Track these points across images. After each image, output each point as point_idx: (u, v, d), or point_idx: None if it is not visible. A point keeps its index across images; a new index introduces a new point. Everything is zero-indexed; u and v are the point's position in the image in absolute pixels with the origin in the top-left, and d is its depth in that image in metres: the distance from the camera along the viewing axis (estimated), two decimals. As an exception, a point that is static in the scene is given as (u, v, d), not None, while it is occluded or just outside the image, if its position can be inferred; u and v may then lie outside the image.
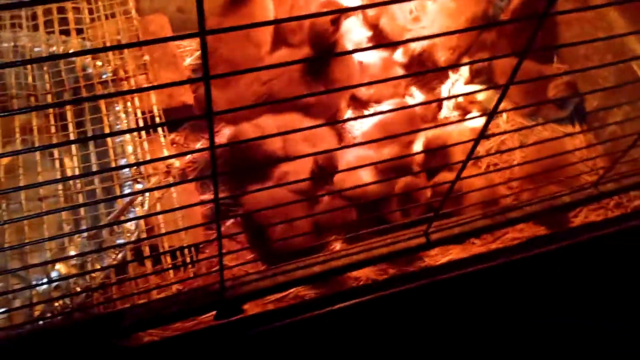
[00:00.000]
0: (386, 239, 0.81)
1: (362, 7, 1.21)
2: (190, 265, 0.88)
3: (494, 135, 1.17)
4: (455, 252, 1.03)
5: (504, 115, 1.21)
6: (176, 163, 0.91)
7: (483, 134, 0.65)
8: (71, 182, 0.95)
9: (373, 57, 1.18)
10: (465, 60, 1.21)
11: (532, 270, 1.05)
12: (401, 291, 0.92)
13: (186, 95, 1.08)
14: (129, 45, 0.46)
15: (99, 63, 1.02)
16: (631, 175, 0.94)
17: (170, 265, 0.83)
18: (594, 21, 1.19)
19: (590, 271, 1.10)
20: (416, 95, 1.20)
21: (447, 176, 1.07)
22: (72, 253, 0.90)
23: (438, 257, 1.02)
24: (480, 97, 1.17)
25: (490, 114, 0.63)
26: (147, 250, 0.86)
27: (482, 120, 1.14)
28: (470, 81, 1.21)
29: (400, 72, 1.18)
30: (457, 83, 1.21)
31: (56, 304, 0.78)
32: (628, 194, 1.13)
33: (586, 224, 1.08)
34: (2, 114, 0.82)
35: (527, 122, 1.20)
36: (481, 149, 1.17)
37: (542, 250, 1.04)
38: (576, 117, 1.21)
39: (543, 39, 1.22)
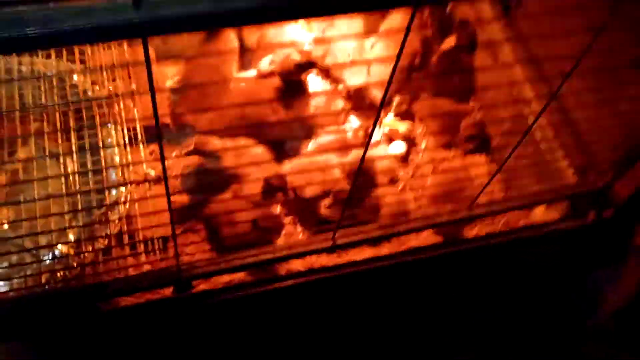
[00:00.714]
0: (304, 240, 1.10)
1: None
2: (159, 251, 1.17)
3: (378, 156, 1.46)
4: (368, 252, 1.32)
5: (423, 144, 1.49)
6: (151, 172, 1.19)
7: (364, 157, 0.92)
8: (71, 180, 1.24)
9: (321, 89, 1.46)
10: (397, 98, 1.50)
11: (427, 269, 1.34)
12: (320, 279, 1.21)
13: (165, 117, 1.35)
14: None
15: (97, 87, 1.30)
16: (500, 202, 1.24)
17: (143, 251, 1.12)
18: (501, 71, 1.47)
19: (475, 272, 1.39)
20: (353, 124, 1.48)
21: (368, 193, 1.35)
22: (71, 237, 1.19)
23: (352, 254, 1.31)
24: (402, 129, 1.45)
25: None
26: (126, 239, 1.15)
27: (403, 148, 1.44)
28: (397, 115, 1.49)
29: (342, 103, 1.47)
30: (387, 116, 1.49)
31: (58, 275, 1.07)
32: (507, 214, 1.42)
33: (477, 236, 1.38)
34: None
35: (443, 151, 1.49)
36: (403, 172, 1.46)
37: (438, 253, 1.33)
38: (483, 150, 1.49)
39: (461, 83, 1.51)
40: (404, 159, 1.46)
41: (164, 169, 0.73)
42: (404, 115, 1.49)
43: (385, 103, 1.50)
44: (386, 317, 1.38)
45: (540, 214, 1.37)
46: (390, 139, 1.46)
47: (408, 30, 0.58)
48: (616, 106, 1.11)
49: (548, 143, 1.32)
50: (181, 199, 1.26)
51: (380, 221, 1.31)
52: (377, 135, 1.45)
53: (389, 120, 1.48)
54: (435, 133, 1.47)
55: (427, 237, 1.38)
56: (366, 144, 0.83)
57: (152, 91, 0.57)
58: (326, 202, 1.29)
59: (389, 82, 0.69)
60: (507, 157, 1.04)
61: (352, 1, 0.52)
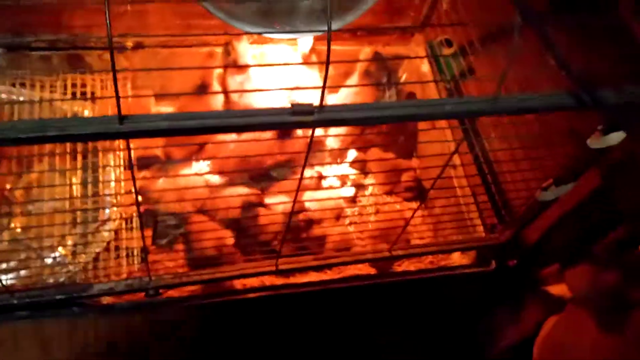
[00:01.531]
0: (253, 264, 1.38)
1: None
2: (138, 260, 1.45)
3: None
4: (312, 276, 1.60)
5: (370, 189, 1.77)
6: (139, 198, 1.47)
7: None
8: (74, 193, 1.53)
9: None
10: (351, 148, 1.78)
11: (360, 296, 1.61)
12: (266, 296, 1.49)
13: (156, 150, 1.64)
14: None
15: (103, 121, 1.59)
16: (416, 247, 1.52)
17: (124, 260, 1.41)
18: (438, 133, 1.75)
19: (399, 301, 1.66)
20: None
21: (316, 227, 1.63)
22: (70, 242, 1.48)
23: (299, 277, 1.59)
24: (352, 175, 1.74)
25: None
26: (112, 249, 1.43)
27: (352, 191, 1.72)
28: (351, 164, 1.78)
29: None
30: (342, 164, 1.78)
31: (57, 274, 1.36)
32: (439, 257, 1.69)
33: (404, 271, 1.65)
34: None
35: (384, 197, 1.77)
36: (349, 211, 1.74)
37: (370, 283, 1.60)
38: (419, 198, 1.77)
39: (407, 141, 1.79)
40: (352, 200, 1.74)
41: (136, 196, 1.02)
42: (356, 164, 1.77)
43: (340, 153, 1.78)
44: (318, 333, 1.66)
45: (457, 257, 1.64)
46: (342, 183, 1.74)
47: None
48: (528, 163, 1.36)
49: (466, 200, 1.60)
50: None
51: (325, 252, 1.59)
52: (332, 179, 1.73)
53: (343, 168, 1.77)
54: (380, 181, 1.75)
55: (362, 268, 1.66)
56: (297, 187, 1.06)
57: (134, 179, 0.86)
58: (277, 235, 1.57)
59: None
60: (418, 207, 1.32)
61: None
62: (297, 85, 1.75)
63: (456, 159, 1.65)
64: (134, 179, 0.94)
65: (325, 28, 0.75)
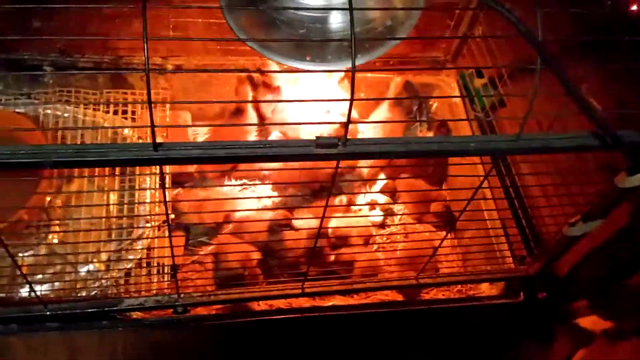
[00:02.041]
0: (279, 285, 1.40)
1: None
2: (168, 277, 1.50)
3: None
4: (338, 300, 1.61)
5: (399, 216, 1.78)
6: (172, 215, 1.52)
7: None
8: (111, 210, 1.59)
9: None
10: (382, 174, 1.80)
11: (386, 323, 1.61)
12: (292, 318, 1.51)
13: (191, 167, 1.69)
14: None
15: (141, 140, 1.65)
16: (443, 276, 1.51)
17: (155, 277, 1.45)
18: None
19: (427, 329, 1.66)
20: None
21: (344, 251, 1.65)
22: (104, 255, 1.53)
23: (325, 300, 1.60)
24: (381, 200, 1.75)
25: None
26: (144, 265, 1.48)
27: (380, 217, 1.73)
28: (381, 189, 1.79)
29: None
30: (371, 190, 1.79)
31: (89, 288, 1.41)
32: (467, 286, 1.68)
33: (431, 299, 1.65)
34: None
35: (413, 224, 1.78)
36: (377, 236, 1.75)
37: (397, 309, 1.60)
38: (448, 227, 1.77)
39: (436, 169, 1.80)
40: (381, 226, 1.75)
41: (167, 216, 1.06)
42: (385, 190, 1.79)
43: (370, 179, 1.80)
44: (343, 358, 1.66)
45: (485, 288, 1.63)
46: (371, 208, 1.76)
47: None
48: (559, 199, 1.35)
49: (496, 232, 1.59)
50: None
51: (352, 276, 1.61)
52: (362, 205, 1.75)
53: (373, 193, 1.78)
54: (409, 208, 1.76)
55: (389, 294, 1.66)
56: (322, 214, 1.08)
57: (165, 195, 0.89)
58: (305, 257, 1.59)
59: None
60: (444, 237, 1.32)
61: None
62: (328, 106, 1.78)
63: (486, 190, 1.64)
64: (165, 201, 0.98)
65: (355, 62, 0.77)
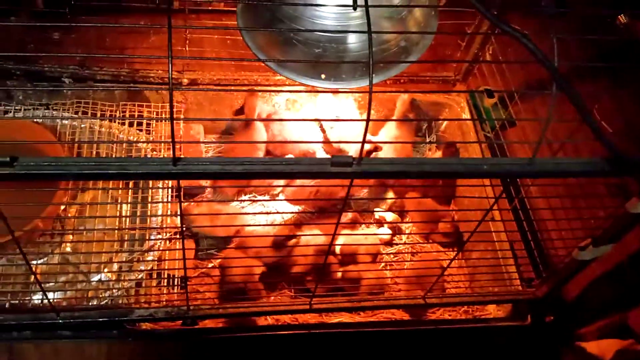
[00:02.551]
0: (287, 300, 1.41)
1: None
2: (179, 289, 1.51)
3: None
4: (345, 317, 1.62)
5: (407, 233, 1.79)
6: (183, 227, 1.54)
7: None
8: (123, 222, 1.60)
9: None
10: (390, 192, 1.81)
11: (392, 341, 1.61)
12: (299, 334, 1.51)
13: (202, 181, 1.71)
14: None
15: (155, 153, 1.67)
16: (451, 296, 1.52)
17: (165, 288, 1.46)
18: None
19: (431, 349, 1.66)
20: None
21: (352, 267, 1.66)
22: (115, 265, 1.55)
23: (332, 316, 1.61)
24: (389, 218, 1.76)
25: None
26: (155, 275, 1.50)
27: (388, 234, 1.74)
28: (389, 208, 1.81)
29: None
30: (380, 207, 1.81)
31: (101, 297, 1.42)
32: (474, 307, 1.68)
33: (438, 319, 1.65)
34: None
35: (421, 243, 1.78)
36: (385, 254, 1.75)
37: (403, 329, 1.61)
38: (456, 245, 1.78)
39: (445, 187, 1.81)
40: (389, 244, 1.76)
41: (182, 229, 1.07)
42: (394, 208, 1.80)
43: (379, 196, 1.81)
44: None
45: (492, 309, 1.63)
46: (380, 226, 1.77)
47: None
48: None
49: (504, 254, 1.59)
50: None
51: (359, 293, 1.62)
52: (371, 222, 1.76)
53: (381, 211, 1.79)
54: (417, 226, 1.77)
55: (396, 313, 1.66)
56: (334, 231, 1.09)
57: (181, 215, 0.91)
58: (312, 273, 1.60)
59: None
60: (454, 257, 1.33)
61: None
62: (340, 123, 1.81)
63: (495, 212, 1.65)
64: (181, 214, 1.00)
65: (367, 82, 0.79)
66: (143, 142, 1.64)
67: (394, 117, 1.83)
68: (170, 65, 0.70)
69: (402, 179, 1.77)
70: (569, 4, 1.65)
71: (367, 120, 0.82)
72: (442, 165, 0.89)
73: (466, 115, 1.85)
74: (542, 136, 0.86)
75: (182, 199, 1.01)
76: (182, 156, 0.83)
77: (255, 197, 1.80)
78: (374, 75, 1.18)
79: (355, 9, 0.83)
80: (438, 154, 1.91)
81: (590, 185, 1.31)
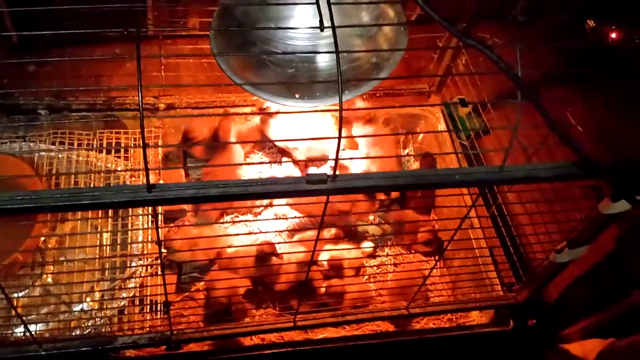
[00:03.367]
0: (271, 318, 1.41)
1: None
2: (162, 314, 1.50)
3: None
4: (330, 332, 1.62)
5: (388, 244, 1.81)
6: (164, 251, 1.54)
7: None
8: (104, 250, 1.60)
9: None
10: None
11: (379, 353, 1.62)
12: (285, 352, 1.51)
13: (183, 205, 1.72)
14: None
15: (133, 179, 1.67)
16: (433, 305, 1.53)
17: (148, 314, 1.46)
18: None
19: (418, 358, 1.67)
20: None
21: (336, 282, 1.66)
22: (97, 294, 1.54)
23: (317, 332, 1.61)
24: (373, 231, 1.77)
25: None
26: (137, 302, 1.49)
27: (370, 246, 1.75)
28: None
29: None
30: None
31: (83, 327, 1.41)
32: (457, 314, 1.70)
33: (422, 329, 1.66)
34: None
35: (403, 253, 1.80)
36: (368, 266, 1.77)
37: (389, 340, 1.61)
38: (437, 253, 1.79)
39: (425, 197, 1.83)
40: (371, 256, 1.77)
41: (160, 255, 1.07)
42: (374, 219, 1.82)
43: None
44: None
45: (475, 316, 1.65)
46: (362, 238, 1.78)
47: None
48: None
49: (484, 260, 1.61)
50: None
51: (343, 307, 1.62)
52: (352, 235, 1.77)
53: (361, 224, 1.81)
54: (399, 237, 1.78)
55: (381, 324, 1.67)
56: (313, 248, 1.11)
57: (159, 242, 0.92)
58: (295, 289, 1.61)
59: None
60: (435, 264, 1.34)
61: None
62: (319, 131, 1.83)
63: (474, 219, 1.68)
64: (159, 240, 1.00)
65: (343, 97, 0.81)
66: (121, 170, 1.64)
67: (374, 130, 1.87)
68: (140, 94, 0.71)
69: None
70: (542, 9, 1.70)
71: (339, 137, 0.83)
72: (416, 177, 0.91)
73: (442, 125, 1.88)
74: (510, 144, 0.89)
75: (159, 226, 1.01)
76: (160, 182, 0.83)
77: (237, 217, 1.80)
78: (346, 92, 1.22)
79: (322, 30, 0.85)
80: (416, 165, 1.94)
81: (565, 189, 1.34)
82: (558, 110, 1.62)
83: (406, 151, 2.02)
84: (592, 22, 1.73)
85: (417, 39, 1.81)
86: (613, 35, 1.67)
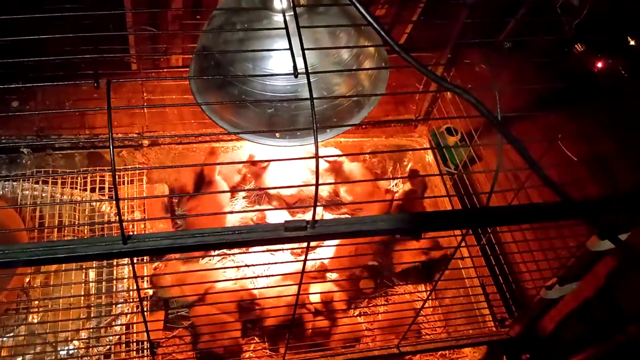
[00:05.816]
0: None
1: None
2: (149, 355, 1.47)
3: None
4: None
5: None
6: (150, 292, 1.51)
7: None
8: (90, 289, 1.57)
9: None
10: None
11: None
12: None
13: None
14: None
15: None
16: (425, 343, 1.50)
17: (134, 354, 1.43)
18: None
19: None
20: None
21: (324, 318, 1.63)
22: (84, 334, 1.51)
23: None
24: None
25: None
26: (124, 343, 1.46)
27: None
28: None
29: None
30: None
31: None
32: (452, 350, 1.67)
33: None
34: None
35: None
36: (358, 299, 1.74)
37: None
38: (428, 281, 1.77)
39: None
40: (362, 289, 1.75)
41: (141, 304, 1.05)
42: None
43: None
44: None
45: (469, 352, 1.62)
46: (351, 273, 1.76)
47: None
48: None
49: (476, 298, 1.59)
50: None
51: (332, 344, 1.59)
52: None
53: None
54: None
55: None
56: (297, 291, 1.09)
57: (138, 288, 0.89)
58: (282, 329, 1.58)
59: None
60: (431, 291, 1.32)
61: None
62: (301, 172, 1.82)
63: (464, 251, 1.66)
64: (138, 289, 0.98)
65: (321, 137, 0.80)
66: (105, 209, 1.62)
67: (360, 164, 1.86)
68: (112, 151, 0.70)
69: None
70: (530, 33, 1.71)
71: (316, 185, 0.82)
72: (396, 221, 0.90)
73: (429, 155, 1.88)
74: (492, 186, 0.88)
75: (136, 275, 0.98)
76: (145, 218, 0.82)
77: (225, 252, 1.78)
78: (327, 130, 1.20)
79: (296, 76, 0.84)
80: (407, 185, 1.92)
81: (555, 227, 1.33)
82: (549, 135, 1.61)
83: (393, 184, 2.00)
84: (580, 46, 1.74)
85: (401, 73, 1.81)
86: (599, 64, 1.68)
